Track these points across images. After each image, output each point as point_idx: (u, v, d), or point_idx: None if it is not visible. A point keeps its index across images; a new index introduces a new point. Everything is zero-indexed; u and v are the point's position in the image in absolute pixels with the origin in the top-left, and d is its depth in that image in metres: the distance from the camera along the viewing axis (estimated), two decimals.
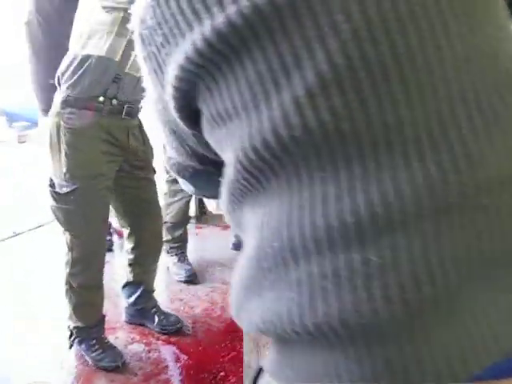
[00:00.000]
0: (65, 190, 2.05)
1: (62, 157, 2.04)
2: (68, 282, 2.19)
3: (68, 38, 2.92)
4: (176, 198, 3.09)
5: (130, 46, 2.01)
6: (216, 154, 0.65)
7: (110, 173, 2.18)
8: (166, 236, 3.06)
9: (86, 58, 2.00)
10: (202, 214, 3.74)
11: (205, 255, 3.36)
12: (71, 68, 2.02)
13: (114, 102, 2.09)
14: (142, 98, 2.24)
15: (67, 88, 2.03)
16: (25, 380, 2.18)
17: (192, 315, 2.72)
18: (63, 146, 2.03)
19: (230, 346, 2.46)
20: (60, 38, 2.96)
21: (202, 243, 3.43)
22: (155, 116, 0.73)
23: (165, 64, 0.60)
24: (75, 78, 2.01)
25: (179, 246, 3.15)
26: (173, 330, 2.54)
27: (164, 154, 0.94)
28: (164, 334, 2.53)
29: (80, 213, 2.09)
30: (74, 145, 2.04)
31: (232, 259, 3.37)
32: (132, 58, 2.04)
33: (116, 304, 2.69)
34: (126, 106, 2.12)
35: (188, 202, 3.15)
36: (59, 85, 2.06)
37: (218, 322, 2.66)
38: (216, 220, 3.87)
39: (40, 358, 2.32)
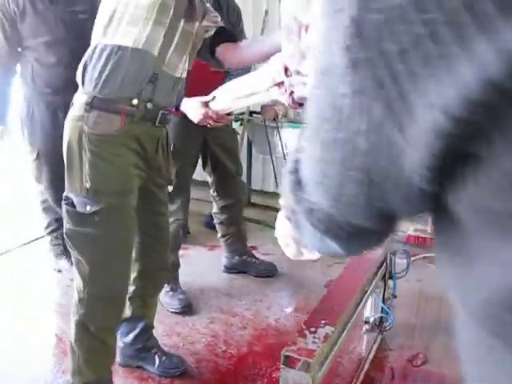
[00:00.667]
0: (89, 208, 1.71)
1: (86, 168, 1.71)
2: (83, 326, 1.82)
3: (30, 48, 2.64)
4: (170, 221, 2.78)
5: (168, 37, 1.74)
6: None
7: (136, 190, 1.87)
8: None
9: (118, 49, 1.68)
10: (186, 234, 3.43)
11: (196, 281, 3.06)
12: (100, 62, 1.69)
13: (149, 105, 1.77)
14: (175, 103, 1.86)
15: (94, 86, 1.70)
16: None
17: (194, 352, 2.42)
18: (87, 156, 1.71)
19: None
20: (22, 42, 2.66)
21: (191, 267, 3.12)
22: (326, 147, 0.53)
23: (416, 89, 0.39)
24: (105, 74, 1.69)
25: (174, 276, 2.84)
26: (176, 372, 2.22)
27: (293, 194, 0.67)
28: (166, 377, 2.22)
29: (106, 238, 1.76)
30: (102, 154, 1.72)
31: (226, 283, 3.09)
32: (170, 53, 1.75)
33: None
34: (160, 112, 1.81)
35: (181, 226, 2.84)
36: (83, 82, 1.75)
37: (225, 360, 2.37)
38: (201, 239, 3.57)
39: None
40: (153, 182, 1.93)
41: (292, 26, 1.59)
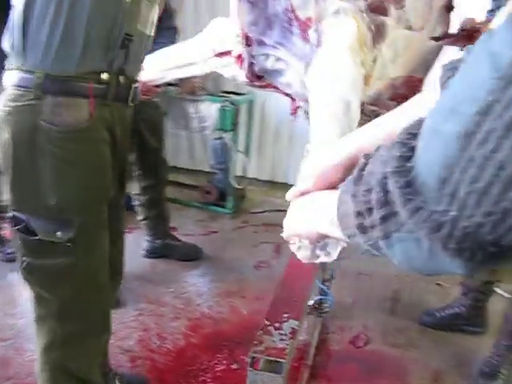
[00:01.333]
0: (60, 235, 1.27)
1: (45, 179, 1.24)
2: (61, 371, 1.42)
3: None
4: None
5: None
6: None
7: None
8: None
9: None
10: None
11: None
12: (46, 20, 1.17)
13: (122, 79, 1.31)
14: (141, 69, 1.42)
15: (43, 59, 1.19)
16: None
17: (126, 350, 2.19)
18: (46, 162, 1.23)
19: None
20: None
21: None
22: None
23: None
24: (57, 38, 1.18)
25: None
26: None
27: (402, 200, 0.52)
28: None
29: (83, 266, 1.34)
30: (69, 157, 1.25)
31: (149, 269, 2.87)
32: (145, 3, 1.31)
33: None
34: (133, 87, 1.38)
35: None
36: (20, 53, 1.22)
37: (161, 356, 2.16)
38: None
39: None
40: (118, 176, 1.49)
41: None
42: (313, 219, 0.82)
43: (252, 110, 4.02)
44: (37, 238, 1.26)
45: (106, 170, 1.34)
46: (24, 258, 1.31)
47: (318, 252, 0.96)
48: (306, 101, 1.56)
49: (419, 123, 0.52)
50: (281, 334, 1.51)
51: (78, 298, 1.37)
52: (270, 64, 1.56)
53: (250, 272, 2.97)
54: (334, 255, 0.94)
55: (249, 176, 4.18)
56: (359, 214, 0.57)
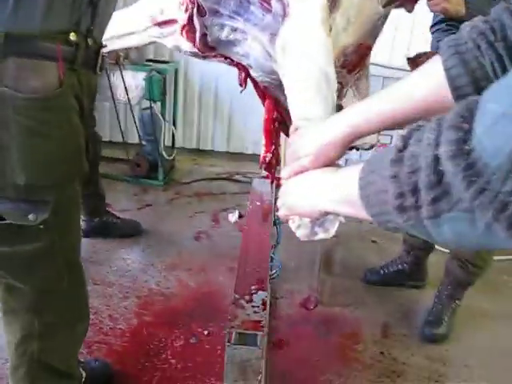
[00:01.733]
0: (33, 217, 1.13)
1: (12, 155, 1.08)
2: (40, 365, 1.33)
3: None
4: None
5: None
6: None
7: None
8: None
9: None
10: None
11: None
12: None
13: (90, 42, 1.17)
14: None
15: (8, 11, 1.02)
16: None
17: None
18: (12, 135, 1.07)
19: None
20: None
21: None
22: None
23: None
24: None
25: None
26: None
27: (465, 181, 0.53)
28: None
29: (58, 249, 1.23)
30: (39, 129, 1.10)
31: (89, 249, 2.76)
32: None
33: None
34: (101, 52, 1.24)
35: None
36: None
37: (117, 338, 2.11)
38: None
39: None
40: None
41: None
42: (315, 198, 0.82)
43: (177, 79, 3.92)
44: (4, 222, 1.12)
45: (79, 141, 1.21)
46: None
47: (316, 229, 0.96)
48: (265, 71, 1.53)
49: (470, 106, 0.53)
50: (253, 307, 1.51)
51: (55, 285, 1.26)
52: (224, 34, 1.51)
53: (190, 244, 2.94)
54: (333, 231, 0.95)
55: (176, 146, 4.10)
56: (401, 194, 0.58)
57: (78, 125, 1.19)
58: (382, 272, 2.72)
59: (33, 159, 1.11)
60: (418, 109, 0.79)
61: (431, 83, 0.77)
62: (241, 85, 1.86)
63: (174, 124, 3.97)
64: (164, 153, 3.65)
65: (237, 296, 1.54)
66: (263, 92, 1.86)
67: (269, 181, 2.15)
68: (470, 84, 0.73)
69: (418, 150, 0.56)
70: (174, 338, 2.13)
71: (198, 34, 1.57)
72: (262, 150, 1.99)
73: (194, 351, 2.06)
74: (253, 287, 1.61)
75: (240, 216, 3.32)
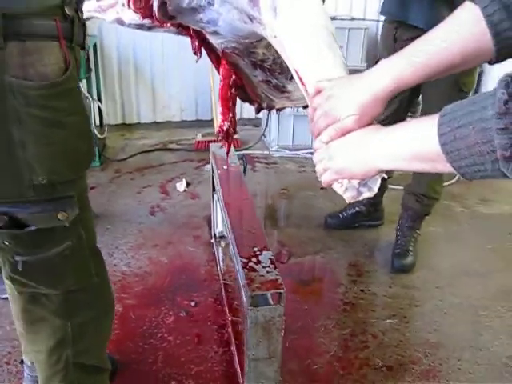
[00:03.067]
0: (62, 217, 1.05)
1: (27, 153, 0.98)
2: (73, 364, 1.25)
3: None
4: None
5: None
6: None
7: None
8: None
9: None
10: None
11: None
12: None
13: (80, 15, 1.07)
14: None
15: None
16: None
17: None
18: (26, 129, 0.97)
19: None
20: None
21: None
22: None
23: None
24: None
25: None
26: None
27: None
28: None
29: (86, 244, 1.17)
30: (54, 117, 1.00)
31: None
32: None
33: None
34: (85, 29, 1.13)
35: None
36: None
37: None
38: None
39: None
40: None
41: None
42: (372, 157, 0.82)
43: (96, 54, 3.74)
44: (31, 229, 1.04)
45: (90, 126, 1.16)
46: (17, 259, 1.08)
47: (361, 189, 0.97)
48: (237, 35, 1.49)
49: None
50: (264, 267, 1.53)
51: (86, 282, 1.20)
52: (186, 2, 1.45)
53: (147, 219, 2.89)
54: (376, 189, 0.96)
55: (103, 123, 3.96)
56: (508, 145, 0.60)
57: (86, 109, 1.12)
58: (340, 216, 2.81)
59: (52, 152, 1.02)
60: (458, 56, 0.81)
61: (467, 31, 0.79)
62: (195, 53, 1.81)
63: (100, 101, 3.81)
64: (96, 132, 3.51)
65: (244, 260, 1.56)
66: (218, 58, 1.82)
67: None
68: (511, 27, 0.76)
69: None
70: (164, 315, 2.11)
71: (156, 3, 1.49)
72: (218, 118, 1.95)
73: (188, 324, 2.06)
74: (255, 249, 1.63)
75: (187, 184, 3.28)
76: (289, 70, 1.76)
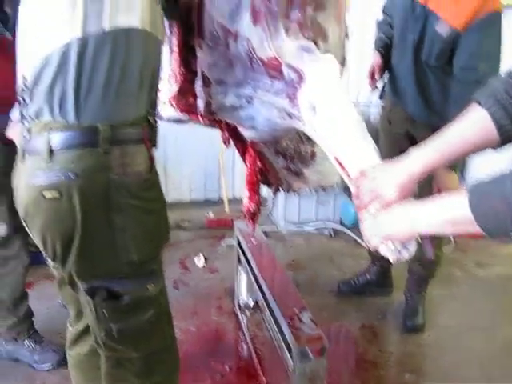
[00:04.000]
0: (151, 288, 1.28)
1: (125, 235, 1.21)
2: None
3: None
4: (8, 269, 2.38)
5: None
6: None
7: None
8: (6, 321, 2.38)
9: (124, 35, 1.16)
10: None
11: None
12: (101, 65, 1.14)
13: (155, 122, 1.34)
14: None
15: (100, 112, 1.16)
16: None
17: None
18: (126, 217, 1.20)
19: None
20: None
21: None
22: None
23: None
24: (113, 88, 1.16)
25: (30, 327, 2.47)
26: None
27: None
28: None
29: (166, 310, 1.41)
30: (146, 206, 1.24)
31: None
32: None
33: None
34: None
35: (26, 267, 2.45)
36: (65, 110, 1.15)
37: None
38: None
39: None
40: None
41: (219, 34, 1.58)
42: (413, 223, 1.07)
43: None
44: (125, 299, 1.24)
45: (166, 210, 1.37)
46: (111, 326, 1.26)
47: (402, 251, 1.21)
48: (273, 129, 1.75)
49: None
50: (306, 325, 1.75)
51: (164, 343, 1.39)
52: (228, 101, 1.70)
53: (172, 293, 2.97)
54: (413, 250, 1.20)
55: None
56: None
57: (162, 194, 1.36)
58: (352, 283, 3.04)
59: (144, 235, 1.24)
60: (472, 146, 1.09)
61: (478, 126, 1.08)
62: (225, 143, 2.08)
63: None
64: None
65: (288, 320, 1.77)
66: (244, 147, 2.09)
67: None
68: (510, 123, 1.05)
69: None
70: (202, 380, 2.28)
71: (201, 103, 1.76)
72: (245, 201, 2.18)
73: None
74: (295, 309, 1.85)
75: (205, 259, 3.51)
76: (306, 158, 2.05)
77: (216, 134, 2.08)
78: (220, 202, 4.26)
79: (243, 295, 2.78)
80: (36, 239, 1.28)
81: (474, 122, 1.09)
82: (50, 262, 1.40)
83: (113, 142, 1.17)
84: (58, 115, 1.16)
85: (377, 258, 2.95)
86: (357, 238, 3.66)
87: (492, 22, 2.15)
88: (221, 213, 4.11)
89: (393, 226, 1.12)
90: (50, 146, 1.15)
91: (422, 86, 2.41)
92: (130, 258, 1.23)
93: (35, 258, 2.39)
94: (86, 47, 1.13)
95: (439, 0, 2.24)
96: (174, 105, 1.85)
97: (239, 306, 2.81)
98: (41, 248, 1.29)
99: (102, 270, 1.24)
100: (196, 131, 2.07)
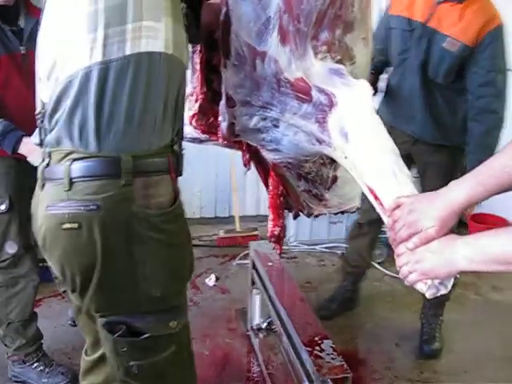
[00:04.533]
0: (174, 325, 1.21)
1: (146, 269, 1.16)
2: None
3: None
4: (18, 288, 2.34)
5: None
6: None
7: None
8: (14, 342, 2.33)
9: (147, 59, 1.12)
10: None
11: None
12: (123, 91, 1.10)
13: (181, 151, 1.31)
14: None
15: (122, 143, 1.12)
16: None
17: None
18: (147, 250, 1.15)
19: None
20: None
21: None
22: None
23: None
24: (136, 117, 1.12)
25: (38, 348, 2.42)
26: None
27: None
28: None
29: (186, 346, 1.36)
30: (170, 240, 1.19)
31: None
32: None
33: None
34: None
35: (36, 287, 2.41)
36: (87, 140, 1.12)
37: None
38: None
39: None
40: None
41: (245, 54, 1.54)
42: (455, 260, 1.03)
43: None
44: (146, 336, 1.18)
45: (191, 242, 1.32)
46: (132, 363, 1.20)
47: (439, 287, 1.16)
48: (299, 153, 1.71)
49: None
50: (328, 354, 1.69)
51: (183, 379, 1.34)
52: (253, 123, 1.65)
53: None
54: (449, 286, 1.15)
55: None
56: None
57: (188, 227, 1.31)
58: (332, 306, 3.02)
59: (166, 269, 1.19)
60: None
61: None
62: (245, 165, 2.03)
63: None
64: None
65: (309, 349, 1.72)
66: (266, 170, 2.04)
67: (269, 243, 2.28)
68: None
69: None
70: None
71: (225, 124, 1.71)
72: (269, 224, 2.15)
73: None
74: (316, 338, 1.79)
75: (216, 278, 3.45)
76: (328, 181, 2.00)
77: (227, 151, 2.04)
78: (231, 219, 4.21)
79: (256, 317, 2.72)
80: (55, 269, 1.24)
81: None
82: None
83: (135, 173, 1.13)
84: (79, 144, 1.13)
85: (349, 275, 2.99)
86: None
87: (500, 35, 2.26)
88: (231, 231, 4.06)
89: (433, 263, 1.08)
90: (70, 175, 1.12)
91: (429, 105, 2.42)
92: (151, 292, 1.18)
93: (43, 275, 2.39)
94: (107, 72, 1.09)
95: (441, 18, 2.27)
96: (194, 124, 1.82)
97: (252, 328, 2.75)
98: (59, 279, 1.26)
99: (121, 305, 1.19)
100: (207, 147, 2.04)
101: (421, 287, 1.15)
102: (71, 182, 1.12)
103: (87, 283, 1.17)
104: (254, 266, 2.55)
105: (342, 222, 3.90)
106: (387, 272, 3.49)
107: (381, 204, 1.27)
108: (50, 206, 1.15)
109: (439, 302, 2.71)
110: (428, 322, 2.72)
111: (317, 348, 1.72)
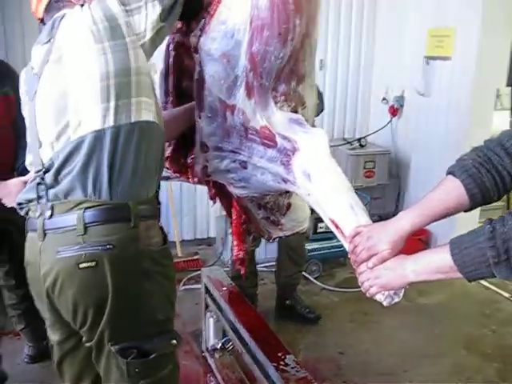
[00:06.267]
0: (175, 342, 1.46)
1: (154, 299, 1.41)
2: None
3: None
4: None
5: None
6: None
7: None
8: None
9: (147, 126, 1.41)
10: None
11: None
12: (129, 151, 1.36)
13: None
14: None
15: (128, 192, 1.37)
16: None
17: None
18: (154, 283, 1.40)
19: None
20: None
21: None
22: None
23: None
24: (139, 172, 1.39)
25: None
26: None
27: None
28: None
29: (178, 362, 1.57)
30: (168, 272, 1.47)
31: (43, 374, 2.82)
32: None
33: None
34: None
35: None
36: (100, 191, 1.34)
37: None
38: None
39: None
40: None
41: (217, 107, 1.74)
42: (406, 274, 1.28)
43: None
44: (153, 356, 1.39)
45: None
46: (142, 382, 1.41)
47: (393, 296, 1.42)
48: (265, 190, 1.91)
49: None
50: (293, 368, 1.90)
51: None
52: (224, 165, 1.82)
53: None
54: (401, 295, 1.42)
55: None
56: (498, 255, 1.08)
57: None
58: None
59: (165, 297, 1.45)
60: (450, 209, 1.30)
61: (454, 193, 1.30)
62: (212, 199, 2.21)
63: None
64: None
65: (274, 364, 1.92)
66: (229, 202, 2.23)
67: (219, 269, 2.48)
68: (479, 192, 1.28)
69: (504, 229, 1.08)
70: None
71: (199, 167, 1.89)
72: (234, 250, 2.35)
73: None
74: (279, 354, 2.00)
75: None
76: (283, 208, 2.23)
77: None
78: (171, 245, 4.33)
79: (211, 339, 2.88)
80: (63, 309, 1.40)
81: (451, 190, 1.31)
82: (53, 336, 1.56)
83: (139, 217, 1.38)
84: (92, 194, 1.34)
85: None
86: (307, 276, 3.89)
87: None
88: (173, 256, 4.15)
89: (389, 277, 1.32)
90: (85, 221, 1.33)
91: None
92: (156, 318, 1.42)
93: None
94: (118, 135, 1.34)
95: None
96: (168, 166, 1.99)
97: (207, 349, 2.90)
98: (68, 317, 1.42)
99: (133, 332, 1.40)
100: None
101: (379, 297, 1.39)
102: (86, 227, 1.33)
103: (99, 316, 1.36)
104: (206, 291, 2.71)
105: (275, 240, 4.11)
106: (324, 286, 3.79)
107: (341, 233, 1.51)
108: (61, 250, 1.34)
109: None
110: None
111: (281, 363, 1.93)
